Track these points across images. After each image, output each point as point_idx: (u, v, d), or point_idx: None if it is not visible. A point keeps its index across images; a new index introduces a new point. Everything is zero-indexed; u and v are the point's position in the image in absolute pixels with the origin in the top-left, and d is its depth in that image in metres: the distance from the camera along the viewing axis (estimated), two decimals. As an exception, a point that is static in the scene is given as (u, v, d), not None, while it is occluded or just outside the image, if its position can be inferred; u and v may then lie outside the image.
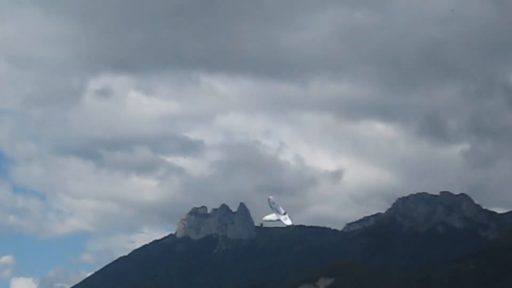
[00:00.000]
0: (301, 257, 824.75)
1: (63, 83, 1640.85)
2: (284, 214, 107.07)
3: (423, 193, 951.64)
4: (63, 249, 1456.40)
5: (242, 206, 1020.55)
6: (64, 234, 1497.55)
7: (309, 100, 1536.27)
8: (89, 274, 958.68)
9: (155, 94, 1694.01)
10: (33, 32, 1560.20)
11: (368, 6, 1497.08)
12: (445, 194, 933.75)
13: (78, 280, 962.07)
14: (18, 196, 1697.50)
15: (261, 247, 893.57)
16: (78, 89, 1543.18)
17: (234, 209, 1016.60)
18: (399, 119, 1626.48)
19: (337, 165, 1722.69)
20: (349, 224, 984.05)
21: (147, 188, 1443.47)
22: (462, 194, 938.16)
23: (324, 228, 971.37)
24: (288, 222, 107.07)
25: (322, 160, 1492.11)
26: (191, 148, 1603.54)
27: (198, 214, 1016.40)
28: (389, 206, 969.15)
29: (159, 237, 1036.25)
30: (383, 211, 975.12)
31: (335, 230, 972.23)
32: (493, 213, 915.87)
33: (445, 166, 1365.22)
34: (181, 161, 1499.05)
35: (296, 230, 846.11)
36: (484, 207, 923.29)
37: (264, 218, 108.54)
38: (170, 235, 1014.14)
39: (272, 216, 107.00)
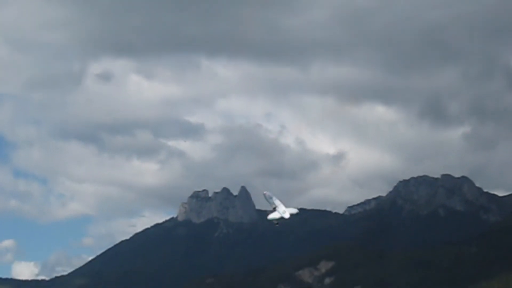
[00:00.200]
0: (302, 240, 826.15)
1: (63, 67, 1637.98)
2: (283, 210, 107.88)
3: (424, 176, 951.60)
4: (64, 233, 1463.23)
5: (243, 189, 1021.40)
6: (65, 218, 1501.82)
7: (310, 83, 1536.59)
8: (90, 258, 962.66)
9: (155, 78, 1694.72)
10: (34, 16, 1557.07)
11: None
12: (446, 177, 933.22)
13: (79, 264, 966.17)
14: (19, 180, 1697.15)
15: (262, 230, 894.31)
16: (79, 73, 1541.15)
17: (235, 193, 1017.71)
18: (400, 102, 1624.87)
19: (338, 148, 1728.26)
20: (350, 207, 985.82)
21: (148, 172, 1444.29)
22: (463, 176, 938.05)
23: (325, 211, 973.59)
24: (286, 215, 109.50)
25: (323, 143, 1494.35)
26: (192, 131, 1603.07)
27: (199, 197, 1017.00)
28: (390, 189, 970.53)
29: (160, 220, 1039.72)
30: (384, 194, 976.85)
31: (336, 213, 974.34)
32: (494, 195, 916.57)
33: (446, 149, 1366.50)
34: (182, 145, 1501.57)
35: (297, 213, 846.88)
36: (485, 190, 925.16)
37: (268, 218, 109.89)
38: (171, 218, 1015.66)
39: (275, 215, 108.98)
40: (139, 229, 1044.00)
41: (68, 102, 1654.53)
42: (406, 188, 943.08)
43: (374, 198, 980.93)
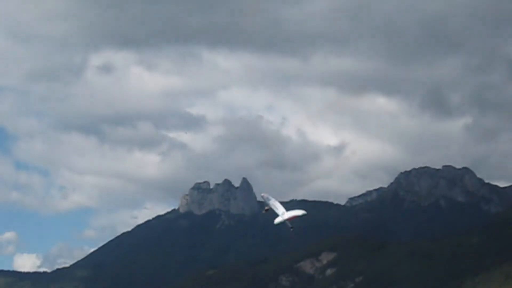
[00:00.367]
0: (304, 232, 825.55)
1: (65, 59, 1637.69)
2: (282, 212, 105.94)
3: (426, 167, 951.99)
4: (66, 225, 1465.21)
5: (245, 181, 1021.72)
6: (67, 210, 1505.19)
7: (311, 75, 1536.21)
8: (92, 250, 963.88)
9: (157, 70, 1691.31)
10: (35, 8, 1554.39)
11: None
12: (448, 168, 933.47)
13: (81, 256, 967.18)
14: (21, 172, 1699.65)
15: (263, 222, 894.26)
16: (80, 65, 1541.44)
17: (236, 184, 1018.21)
18: (402, 93, 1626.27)
19: (339, 139, 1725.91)
20: (351, 199, 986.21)
21: (149, 164, 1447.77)
22: (464, 168, 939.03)
23: (327, 202, 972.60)
24: (285, 216, 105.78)
25: (324, 135, 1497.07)
26: (193, 123, 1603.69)
27: (200, 189, 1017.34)
28: (392, 180, 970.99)
29: (162, 212, 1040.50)
30: (385, 186, 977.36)
31: (337, 205, 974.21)
32: (496, 186, 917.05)
33: (448, 140, 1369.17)
34: (184, 137, 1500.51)
35: (299, 204, 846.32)
36: (486, 181, 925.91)
37: (275, 223, 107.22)
38: (173, 210, 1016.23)
39: (279, 219, 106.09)
40: (141, 221, 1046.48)
41: (69, 94, 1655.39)
42: (407, 179, 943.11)
43: (375, 190, 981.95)
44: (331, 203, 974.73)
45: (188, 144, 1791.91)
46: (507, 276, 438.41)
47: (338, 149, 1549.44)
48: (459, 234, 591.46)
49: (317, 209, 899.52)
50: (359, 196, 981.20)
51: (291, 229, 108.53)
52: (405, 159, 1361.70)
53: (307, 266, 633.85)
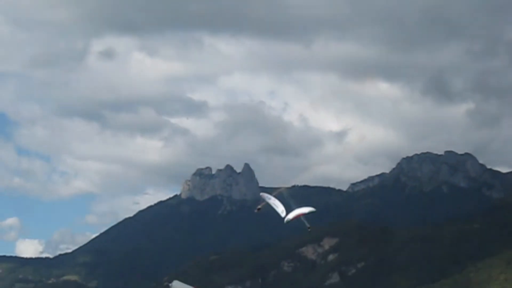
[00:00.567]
0: (306, 217, 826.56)
1: (66, 45, 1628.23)
2: (282, 210, 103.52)
3: (428, 152, 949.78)
4: (68, 210, 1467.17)
5: (247, 166, 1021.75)
6: (68, 195, 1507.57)
7: (313, 60, 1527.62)
8: (94, 236, 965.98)
9: (158, 55, 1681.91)
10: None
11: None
12: (450, 153, 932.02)
13: (83, 241, 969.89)
14: (23, 158, 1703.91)
15: (265, 207, 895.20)
16: (82, 51, 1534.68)
17: (238, 170, 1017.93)
18: (404, 78, 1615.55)
19: (341, 125, 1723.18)
20: (353, 184, 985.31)
21: (151, 149, 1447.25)
22: (466, 153, 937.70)
23: (329, 188, 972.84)
24: (292, 214, 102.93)
25: (326, 120, 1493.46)
26: (195, 109, 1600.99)
27: (202, 175, 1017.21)
28: (394, 166, 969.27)
29: (163, 198, 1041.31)
30: (387, 171, 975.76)
31: (339, 190, 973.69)
32: (498, 172, 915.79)
33: (450, 126, 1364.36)
34: (185, 122, 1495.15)
35: (301, 190, 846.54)
36: (488, 167, 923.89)
37: (285, 221, 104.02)
38: (175, 196, 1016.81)
39: (288, 217, 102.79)
40: (143, 206, 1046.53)
41: (71, 80, 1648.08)
42: (409, 165, 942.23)
43: (377, 175, 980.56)
44: (333, 189, 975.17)
45: (190, 129, 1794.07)
46: (509, 262, 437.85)
47: (340, 135, 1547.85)
48: (461, 220, 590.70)
49: (319, 194, 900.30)
50: (361, 182, 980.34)
51: (309, 230, 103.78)
52: (407, 145, 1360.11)
53: (309, 251, 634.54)
